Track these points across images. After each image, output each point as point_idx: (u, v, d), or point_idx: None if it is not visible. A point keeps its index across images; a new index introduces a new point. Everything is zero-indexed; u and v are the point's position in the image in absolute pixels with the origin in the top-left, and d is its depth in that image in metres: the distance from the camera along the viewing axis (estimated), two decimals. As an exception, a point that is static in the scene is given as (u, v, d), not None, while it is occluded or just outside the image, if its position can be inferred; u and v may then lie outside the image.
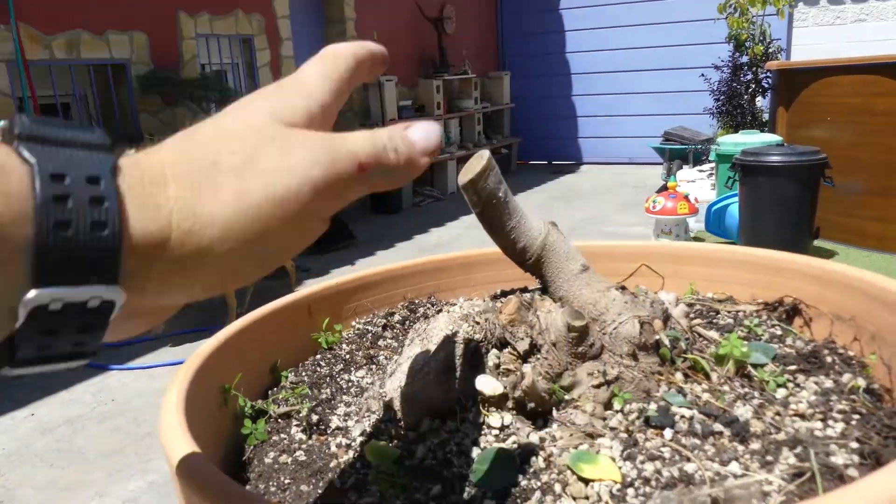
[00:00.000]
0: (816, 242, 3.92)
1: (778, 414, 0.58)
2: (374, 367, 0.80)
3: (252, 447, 0.65)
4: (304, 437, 0.66)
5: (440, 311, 0.96)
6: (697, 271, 0.87)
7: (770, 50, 6.25)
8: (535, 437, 0.57)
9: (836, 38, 6.85)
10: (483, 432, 0.59)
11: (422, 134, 0.38)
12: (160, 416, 0.56)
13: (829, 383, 0.62)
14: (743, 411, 0.58)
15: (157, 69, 5.04)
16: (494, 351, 0.64)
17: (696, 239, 4.43)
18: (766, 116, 5.70)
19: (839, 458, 0.50)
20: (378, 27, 7.00)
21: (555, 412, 0.60)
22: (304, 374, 0.78)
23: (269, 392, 0.75)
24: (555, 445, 0.55)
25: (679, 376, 0.63)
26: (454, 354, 0.64)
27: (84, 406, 3.06)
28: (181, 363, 0.66)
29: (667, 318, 0.70)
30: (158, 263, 0.30)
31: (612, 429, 0.58)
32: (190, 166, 0.31)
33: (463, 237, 5.65)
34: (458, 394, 0.63)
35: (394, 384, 0.67)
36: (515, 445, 0.56)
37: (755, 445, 0.54)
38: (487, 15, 9.35)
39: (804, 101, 4.42)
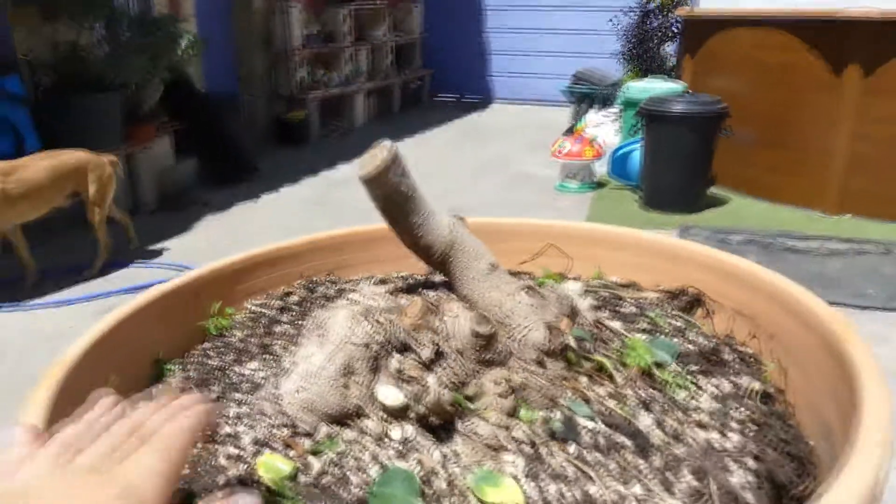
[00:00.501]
0: (712, 189, 4.09)
1: (679, 422, 0.58)
2: (268, 356, 0.75)
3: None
4: (188, 445, 0.60)
5: (342, 290, 0.92)
6: (604, 255, 0.86)
7: (681, -5, 6.30)
8: (437, 454, 0.55)
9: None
10: (383, 445, 0.56)
11: None
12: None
13: (727, 386, 0.63)
14: (646, 420, 0.58)
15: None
16: (397, 356, 0.60)
17: (600, 184, 4.52)
18: (673, 61, 5.79)
19: (735, 478, 0.51)
20: (283, -55, 6.54)
21: (458, 423, 0.58)
22: (190, 367, 0.72)
23: (153, 391, 0.68)
24: (457, 465, 0.53)
25: (584, 380, 0.62)
26: (353, 357, 0.60)
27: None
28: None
29: (574, 313, 0.69)
30: None
31: (517, 441, 0.56)
32: None
33: (371, 174, 5.51)
34: (358, 399, 0.60)
35: (289, 386, 0.63)
36: (416, 463, 0.54)
37: (657, 461, 0.54)
38: (400, -60, 8.93)
39: (708, 50, 4.52)
